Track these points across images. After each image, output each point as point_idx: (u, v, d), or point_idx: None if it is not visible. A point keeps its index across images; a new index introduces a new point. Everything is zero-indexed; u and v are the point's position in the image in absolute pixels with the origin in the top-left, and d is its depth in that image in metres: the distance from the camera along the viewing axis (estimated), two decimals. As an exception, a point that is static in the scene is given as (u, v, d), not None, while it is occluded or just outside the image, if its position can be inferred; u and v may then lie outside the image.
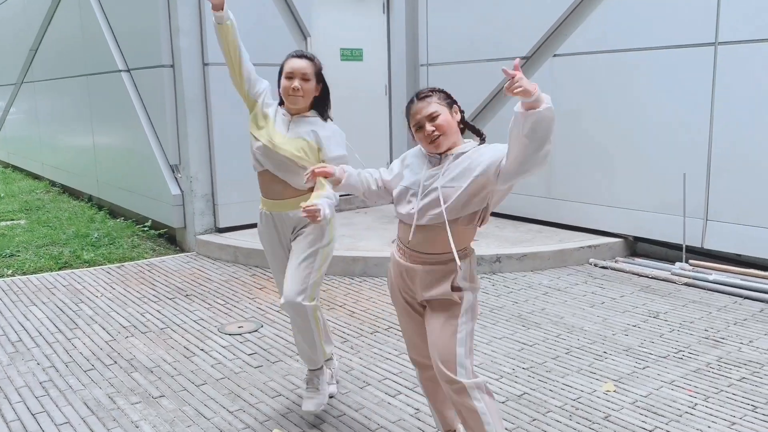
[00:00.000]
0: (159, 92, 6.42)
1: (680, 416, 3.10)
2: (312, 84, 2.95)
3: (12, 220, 7.84)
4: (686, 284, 5.06)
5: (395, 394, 3.38)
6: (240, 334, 4.25)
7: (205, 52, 6.20)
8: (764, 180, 4.95)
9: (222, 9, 2.92)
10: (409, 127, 2.43)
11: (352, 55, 7.44)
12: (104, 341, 4.17)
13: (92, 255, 6.17)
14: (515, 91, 1.99)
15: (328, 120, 3.07)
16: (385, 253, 5.58)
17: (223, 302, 4.90)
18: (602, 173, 5.96)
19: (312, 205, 2.60)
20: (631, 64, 5.62)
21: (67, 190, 9.71)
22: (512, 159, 2.15)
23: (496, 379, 3.52)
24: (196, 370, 3.73)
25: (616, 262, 5.65)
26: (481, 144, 2.41)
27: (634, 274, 5.38)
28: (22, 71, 10.94)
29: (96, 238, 6.72)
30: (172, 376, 3.65)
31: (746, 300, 4.71)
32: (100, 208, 8.23)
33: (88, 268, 5.88)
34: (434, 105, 2.35)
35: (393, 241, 2.57)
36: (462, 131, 2.43)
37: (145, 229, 7.01)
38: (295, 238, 3.03)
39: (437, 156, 2.38)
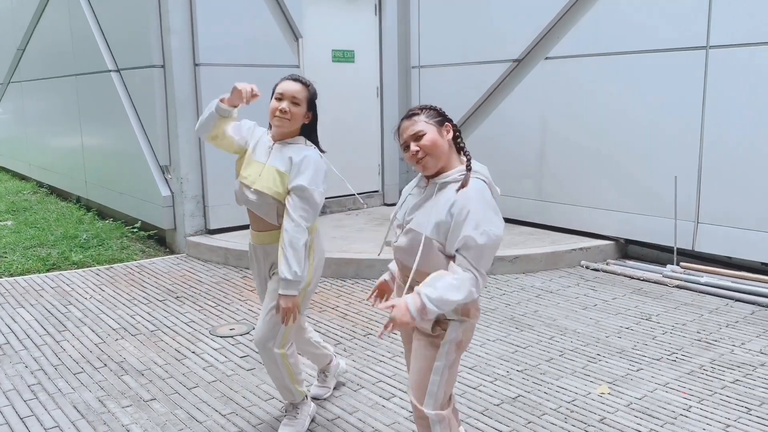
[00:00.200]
0: (149, 93, 6.37)
1: (675, 419, 3.10)
2: (302, 109, 2.79)
3: (-1, 221, 7.75)
4: (678, 286, 5.07)
5: (389, 397, 3.36)
6: (231, 337, 4.21)
7: (197, 52, 6.15)
8: (755, 183, 4.97)
9: (237, 106, 2.84)
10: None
11: (343, 56, 7.42)
12: (94, 344, 4.12)
13: (81, 256, 6.10)
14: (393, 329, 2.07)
15: (312, 146, 2.86)
16: (376, 255, 5.55)
17: (214, 304, 4.85)
18: (593, 176, 5.98)
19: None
20: (622, 68, 5.64)
21: (54, 191, 9.61)
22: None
23: (491, 382, 3.51)
24: (188, 372, 3.69)
25: (607, 264, 5.65)
26: (466, 169, 2.22)
27: (625, 276, 5.39)
28: (9, 71, 10.83)
29: (85, 239, 6.65)
30: (163, 379, 3.60)
31: (737, 302, 4.73)
32: (88, 209, 8.15)
33: (76, 270, 5.82)
34: (421, 124, 2.22)
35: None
36: (461, 149, 2.29)
37: (135, 230, 6.95)
38: (272, 276, 2.88)
39: (425, 179, 2.28)
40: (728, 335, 4.12)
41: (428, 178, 2.28)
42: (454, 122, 2.32)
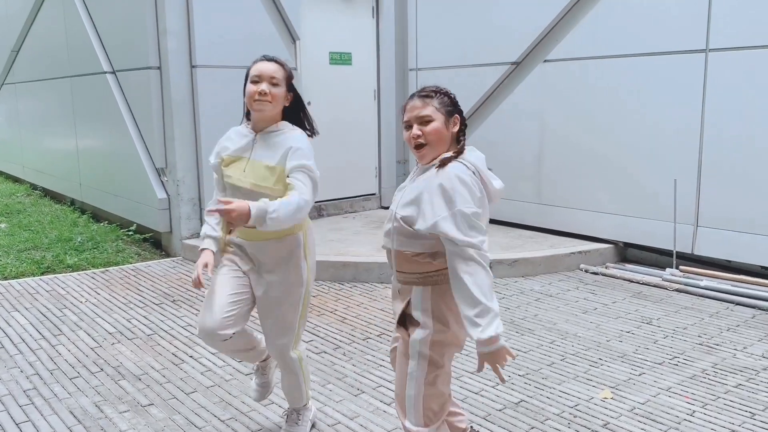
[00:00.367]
0: (145, 94, 6.32)
1: (679, 423, 3.07)
2: (281, 90, 2.62)
3: (-8, 223, 7.67)
4: (677, 290, 5.05)
5: (390, 402, 3.32)
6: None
7: (193, 54, 6.11)
8: (755, 186, 4.96)
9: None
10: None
11: (341, 59, 7.39)
12: (90, 348, 4.07)
13: (76, 259, 6.04)
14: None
15: (296, 128, 2.70)
16: (375, 258, 5.53)
17: (211, 308, 4.80)
18: (592, 179, 5.96)
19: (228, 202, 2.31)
20: (621, 71, 5.63)
21: (48, 194, 9.54)
22: None
23: (493, 387, 3.48)
24: (186, 377, 3.64)
25: (606, 267, 5.64)
26: (453, 154, 2.15)
27: (625, 279, 5.37)
28: (2, 73, 10.75)
29: (79, 242, 6.59)
30: (160, 384, 3.56)
31: (737, 306, 4.71)
32: (82, 211, 8.08)
33: (71, 273, 5.76)
34: (430, 108, 2.13)
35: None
36: (459, 142, 2.20)
37: (130, 233, 6.89)
38: (266, 283, 2.70)
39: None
40: (729, 339, 4.10)
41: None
42: (464, 114, 2.25)
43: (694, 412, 3.18)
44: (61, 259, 6.05)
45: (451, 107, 2.18)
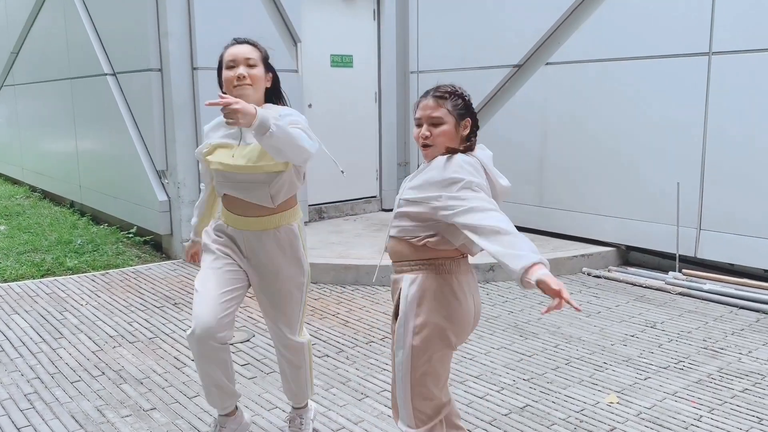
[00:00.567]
0: (146, 96, 6.30)
1: (686, 428, 3.05)
2: (260, 71, 2.51)
3: (-9, 225, 7.64)
4: (680, 294, 5.04)
5: (395, 407, 3.29)
6: (231, 344, 4.14)
7: (194, 55, 6.09)
8: (758, 189, 4.95)
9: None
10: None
11: (342, 61, 7.37)
12: (91, 351, 4.04)
13: (76, 262, 6.01)
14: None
15: (290, 108, 2.60)
16: (377, 261, 5.50)
17: (212, 311, 4.77)
18: (595, 182, 5.94)
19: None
20: (624, 73, 5.62)
21: (47, 196, 9.50)
22: None
23: (497, 391, 3.45)
24: (188, 381, 3.61)
25: (609, 271, 5.62)
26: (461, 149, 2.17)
27: (627, 283, 5.35)
28: (2, 74, 10.72)
29: (79, 244, 6.56)
30: (163, 388, 3.53)
31: (741, 310, 4.69)
32: (82, 214, 8.06)
33: (71, 276, 5.73)
34: (442, 111, 2.14)
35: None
36: (469, 146, 2.20)
37: (130, 235, 6.86)
38: (266, 275, 2.64)
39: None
40: (734, 343, 4.08)
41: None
42: (476, 117, 2.25)
43: (701, 417, 3.16)
44: (61, 261, 6.02)
45: (464, 110, 2.19)
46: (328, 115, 7.32)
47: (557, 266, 5.60)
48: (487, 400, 3.35)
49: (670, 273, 5.31)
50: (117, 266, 6.02)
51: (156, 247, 6.68)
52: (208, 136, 2.66)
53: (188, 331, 2.56)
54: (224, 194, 2.63)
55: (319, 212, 7.32)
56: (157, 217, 6.35)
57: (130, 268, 5.99)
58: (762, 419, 3.13)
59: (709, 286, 4.98)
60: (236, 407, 2.85)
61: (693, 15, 5.14)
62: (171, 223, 6.35)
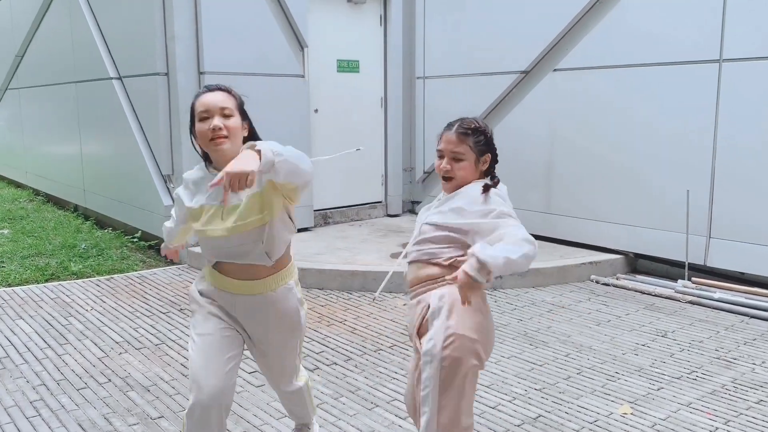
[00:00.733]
0: (152, 101, 6.27)
1: (702, 441, 3.01)
2: (237, 120, 2.27)
3: (-5, 229, 7.61)
4: (690, 302, 4.99)
5: (406, 417, 3.25)
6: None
7: (201, 59, 6.06)
8: (769, 198, 4.91)
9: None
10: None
11: (348, 66, 7.35)
12: (97, 358, 3.99)
13: (80, 266, 5.97)
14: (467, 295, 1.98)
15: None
16: (383, 267, 5.47)
17: (219, 317, 4.73)
18: (603, 188, 5.91)
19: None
20: (634, 81, 5.58)
21: (51, 199, 9.48)
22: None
23: (509, 401, 3.41)
24: (196, 389, 3.56)
25: (617, 279, 5.57)
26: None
27: (636, 291, 5.30)
28: (6, 78, 10.71)
29: (83, 249, 6.52)
30: (170, 396, 3.48)
31: (752, 319, 4.65)
32: (86, 218, 8.02)
33: (76, 280, 5.69)
34: (464, 147, 2.23)
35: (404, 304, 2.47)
36: (496, 182, 2.29)
37: (135, 240, 6.83)
38: (263, 341, 2.47)
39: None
40: (747, 353, 4.03)
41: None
42: (496, 151, 2.32)
43: (716, 429, 3.12)
44: (66, 266, 5.98)
45: (485, 146, 2.28)
46: (334, 120, 7.29)
47: (565, 274, 5.56)
48: (499, 410, 3.31)
49: (680, 281, 5.26)
50: (122, 271, 5.98)
51: (160, 251, 6.62)
52: (189, 188, 2.39)
53: (188, 406, 2.31)
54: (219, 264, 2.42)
55: (324, 217, 7.28)
56: (162, 221, 6.26)
57: (134, 272, 5.95)
58: (779, 431, 3.09)
59: (719, 294, 4.94)
60: None
61: (704, 22, 5.11)
62: (176, 227, 6.30)
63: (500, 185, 2.30)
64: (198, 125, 2.25)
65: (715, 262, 5.25)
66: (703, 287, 5.13)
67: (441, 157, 2.28)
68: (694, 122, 5.24)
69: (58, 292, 5.34)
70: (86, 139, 7.93)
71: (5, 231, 7.45)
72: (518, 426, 3.15)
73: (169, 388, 3.58)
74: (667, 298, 5.12)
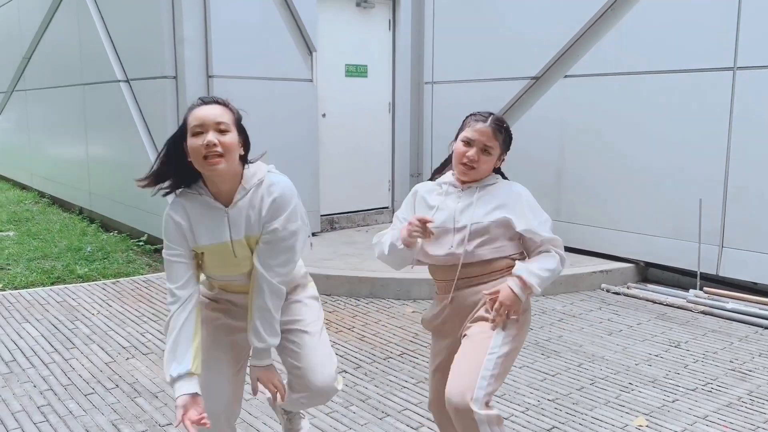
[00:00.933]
0: (160, 104, 6.24)
1: (720, 455, 2.95)
2: (233, 137, 2.07)
3: (0, 231, 7.58)
4: (703, 312, 4.94)
5: (417, 426, 3.20)
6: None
7: (210, 63, 6.04)
8: (783, 207, 4.86)
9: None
10: (458, 133, 2.36)
11: (357, 71, 7.32)
12: (104, 363, 3.95)
13: (86, 270, 5.93)
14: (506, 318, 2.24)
15: (270, 171, 2.25)
16: (392, 273, 5.41)
17: (226, 323, 4.69)
18: (613, 196, 5.86)
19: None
20: (646, 87, 5.54)
21: (56, 202, 9.45)
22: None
23: (522, 412, 3.36)
24: (204, 396, 3.52)
25: (628, 287, 5.52)
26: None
27: (647, 300, 5.25)
28: (13, 79, 10.70)
29: (89, 252, 6.49)
30: (178, 403, 3.44)
31: (766, 330, 4.59)
32: (91, 221, 7.99)
33: (82, 284, 5.65)
34: (493, 141, 2.29)
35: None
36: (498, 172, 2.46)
37: (141, 243, 6.79)
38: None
39: (459, 185, 2.37)
40: (763, 365, 3.98)
41: (462, 182, 2.38)
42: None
43: (734, 442, 3.07)
44: (72, 269, 5.95)
45: (506, 146, 2.38)
46: (342, 124, 7.26)
47: (575, 282, 5.50)
48: (512, 421, 3.25)
49: (692, 291, 5.21)
50: (128, 274, 5.94)
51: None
52: (181, 228, 2.19)
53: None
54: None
55: (331, 223, 7.24)
56: (168, 225, 6.26)
57: (141, 276, 5.91)
58: (798, 446, 3.03)
59: (731, 305, 4.88)
60: None
61: (718, 29, 5.07)
62: (183, 231, 6.26)
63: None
64: (190, 141, 2.05)
65: (728, 271, 5.20)
66: (716, 297, 5.08)
67: (467, 144, 2.30)
68: (706, 130, 5.20)
69: (64, 295, 5.31)
70: (93, 142, 7.90)
71: (11, 233, 7.42)
72: (532, 437, 3.10)
73: (177, 394, 3.53)
74: (678, 307, 5.06)
